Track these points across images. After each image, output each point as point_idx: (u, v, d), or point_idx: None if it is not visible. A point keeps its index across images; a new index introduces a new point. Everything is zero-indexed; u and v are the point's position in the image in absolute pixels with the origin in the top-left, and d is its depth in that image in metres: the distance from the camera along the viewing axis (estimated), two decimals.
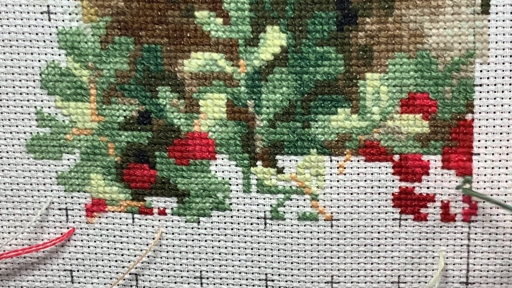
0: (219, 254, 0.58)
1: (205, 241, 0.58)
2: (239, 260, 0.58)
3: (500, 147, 0.53)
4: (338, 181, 0.56)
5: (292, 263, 0.58)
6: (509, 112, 0.53)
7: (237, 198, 0.57)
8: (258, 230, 0.58)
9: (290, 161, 0.56)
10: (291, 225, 0.57)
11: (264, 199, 0.57)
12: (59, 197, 0.58)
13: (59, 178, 0.58)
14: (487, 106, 0.53)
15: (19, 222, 0.59)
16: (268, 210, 0.57)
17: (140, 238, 0.58)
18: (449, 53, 0.52)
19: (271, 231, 0.57)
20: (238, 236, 0.58)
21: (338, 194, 0.56)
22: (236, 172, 0.57)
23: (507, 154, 0.53)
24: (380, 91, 0.54)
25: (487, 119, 0.53)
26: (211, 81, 0.55)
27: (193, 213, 0.58)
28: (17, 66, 0.56)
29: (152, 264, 0.59)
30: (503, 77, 0.52)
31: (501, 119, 0.53)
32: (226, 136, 0.56)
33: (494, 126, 0.53)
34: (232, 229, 0.58)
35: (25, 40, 0.55)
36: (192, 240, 0.58)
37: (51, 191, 0.58)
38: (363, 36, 0.53)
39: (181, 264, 0.59)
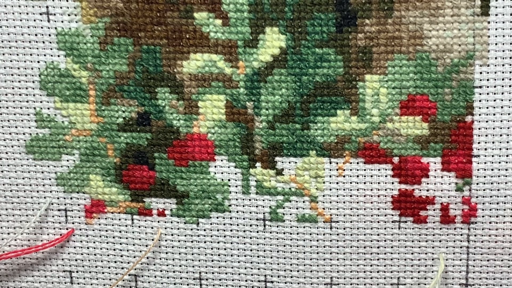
0: (218, 255, 0.58)
1: (204, 242, 0.58)
2: (238, 262, 0.58)
3: (500, 149, 0.53)
4: (337, 183, 0.55)
5: (291, 264, 0.58)
6: (509, 114, 0.52)
7: (236, 199, 0.57)
8: (257, 232, 0.57)
9: (289, 162, 0.56)
10: (290, 227, 0.57)
11: (263, 200, 0.57)
12: (58, 198, 0.58)
13: (58, 179, 0.58)
14: (487, 108, 0.53)
15: (19, 223, 0.59)
16: (267, 211, 0.57)
17: (139, 239, 0.58)
18: (449, 55, 0.52)
19: (270, 232, 0.57)
20: (237, 237, 0.58)
21: (337, 196, 0.56)
22: (235, 173, 0.56)
23: (507, 156, 0.53)
24: (379, 93, 0.53)
25: (486, 121, 0.53)
26: (210, 82, 0.55)
27: (192, 214, 0.58)
28: (16, 67, 0.56)
29: (151, 265, 0.59)
30: (503, 79, 0.52)
31: (501, 121, 0.53)
32: (225, 138, 0.56)
33: (494, 128, 0.53)
34: (231, 230, 0.58)
35: (24, 41, 0.55)
36: (191, 242, 0.58)
37: (51, 192, 0.58)
38: (362, 38, 0.53)
39: (180, 265, 0.59)
